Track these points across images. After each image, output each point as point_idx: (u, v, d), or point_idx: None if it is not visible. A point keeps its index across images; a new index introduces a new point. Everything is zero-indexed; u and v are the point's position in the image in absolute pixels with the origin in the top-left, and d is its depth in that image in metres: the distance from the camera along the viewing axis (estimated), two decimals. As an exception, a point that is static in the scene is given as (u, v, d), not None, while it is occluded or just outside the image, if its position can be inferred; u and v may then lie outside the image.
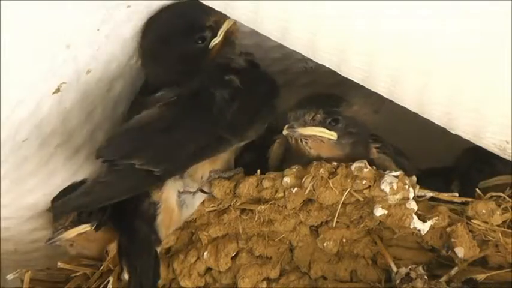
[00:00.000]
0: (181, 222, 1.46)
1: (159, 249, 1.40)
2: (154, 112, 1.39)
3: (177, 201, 1.42)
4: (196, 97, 1.40)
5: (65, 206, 1.40)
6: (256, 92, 1.45)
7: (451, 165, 1.64)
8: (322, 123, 1.42)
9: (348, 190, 1.37)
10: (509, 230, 1.36)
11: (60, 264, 1.51)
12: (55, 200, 1.51)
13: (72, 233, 1.50)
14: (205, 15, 1.44)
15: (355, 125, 1.43)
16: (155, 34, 1.45)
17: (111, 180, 1.36)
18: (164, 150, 1.36)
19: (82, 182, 1.49)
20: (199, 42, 1.46)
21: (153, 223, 1.39)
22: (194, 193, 1.44)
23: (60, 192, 1.51)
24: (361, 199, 1.38)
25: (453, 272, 1.36)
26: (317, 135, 1.41)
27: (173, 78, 1.43)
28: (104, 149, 1.36)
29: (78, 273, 1.53)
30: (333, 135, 1.42)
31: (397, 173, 1.37)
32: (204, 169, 1.43)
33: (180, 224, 1.46)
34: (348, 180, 1.37)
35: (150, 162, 1.34)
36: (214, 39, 1.46)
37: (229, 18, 1.44)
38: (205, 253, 1.45)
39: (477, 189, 1.39)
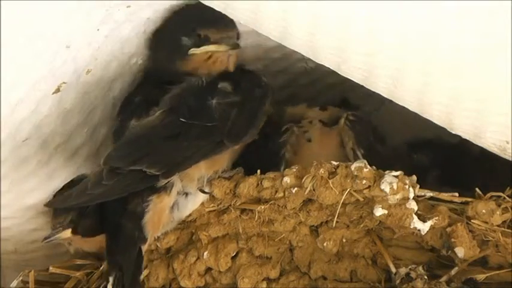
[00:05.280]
0: (172, 224, 1.45)
1: (144, 248, 1.38)
2: (156, 120, 1.40)
3: (169, 202, 1.41)
4: (195, 105, 1.41)
5: (64, 203, 1.41)
6: (252, 97, 1.46)
7: None
8: None
9: (348, 190, 1.37)
10: (509, 230, 1.36)
11: (51, 269, 1.51)
12: (57, 194, 1.51)
13: (70, 233, 1.50)
14: (203, 24, 1.45)
15: None
16: (167, 20, 1.47)
17: (113, 184, 1.36)
18: (169, 156, 1.38)
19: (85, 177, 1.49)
20: (184, 43, 1.47)
21: (139, 221, 1.38)
22: (188, 195, 1.44)
23: (63, 187, 1.51)
24: (361, 199, 1.38)
25: (453, 272, 1.36)
26: None
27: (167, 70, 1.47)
28: (113, 156, 1.37)
29: (77, 274, 1.53)
30: None
31: (397, 173, 1.37)
32: (199, 171, 1.42)
33: (171, 226, 1.46)
34: (348, 180, 1.37)
35: (154, 167, 1.36)
36: (193, 50, 1.46)
37: (231, 45, 1.45)
38: (205, 253, 1.45)
39: (476, 189, 1.39)
